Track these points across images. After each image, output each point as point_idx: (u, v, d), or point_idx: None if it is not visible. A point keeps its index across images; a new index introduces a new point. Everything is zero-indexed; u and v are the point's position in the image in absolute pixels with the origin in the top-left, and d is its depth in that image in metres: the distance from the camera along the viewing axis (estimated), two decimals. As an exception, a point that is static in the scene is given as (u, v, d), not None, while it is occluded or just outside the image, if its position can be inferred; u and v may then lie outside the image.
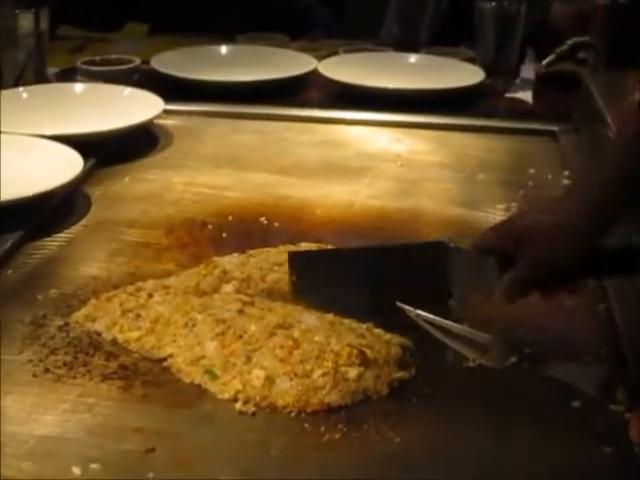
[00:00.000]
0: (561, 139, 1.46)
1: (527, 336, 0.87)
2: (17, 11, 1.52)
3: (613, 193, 0.82)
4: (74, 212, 1.17)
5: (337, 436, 0.77)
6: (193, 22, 1.91)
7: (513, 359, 0.69)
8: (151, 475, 0.72)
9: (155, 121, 1.44)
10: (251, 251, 1.05)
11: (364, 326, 0.89)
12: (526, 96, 1.63)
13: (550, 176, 1.33)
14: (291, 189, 1.27)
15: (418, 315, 0.79)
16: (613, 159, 0.85)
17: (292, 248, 1.05)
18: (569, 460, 0.75)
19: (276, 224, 1.16)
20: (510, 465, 0.74)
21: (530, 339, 0.83)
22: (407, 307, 0.82)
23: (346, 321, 0.90)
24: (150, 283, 0.98)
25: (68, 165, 1.18)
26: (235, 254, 1.04)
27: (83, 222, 1.15)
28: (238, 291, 0.96)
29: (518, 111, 1.59)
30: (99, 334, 0.90)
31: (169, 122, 1.48)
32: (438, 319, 0.76)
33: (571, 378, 0.66)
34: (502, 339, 0.70)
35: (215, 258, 1.03)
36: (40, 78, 1.56)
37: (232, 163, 1.35)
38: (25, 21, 1.53)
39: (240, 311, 0.90)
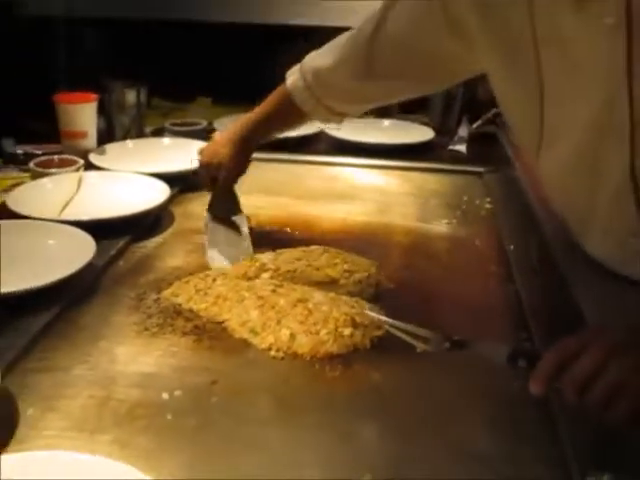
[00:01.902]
0: (485, 177, 1.45)
1: (455, 322, 0.86)
2: (125, 89, 1.52)
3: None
4: (163, 224, 1.17)
5: (337, 374, 0.78)
6: (243, 96, 1.91)
7: (447, 345, 0.67)
8: (214, 399, 0.73)
9: (216, 163, 1.43)
10: (279, 250, 1.04)
11: (354, 300, 0.89)
12: (462, 148, 1.62)
13: (477, 201, 1.33)
14: (305, 209, 1.27)
15: (379, 319, 0.79)
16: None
17: (305, 249, 1.04)
18: (493, 390, 0.75)
19: (296, 232, 1.16)
20: (454, 397, 0.75)
21: (458, 325, 0.82)
22: (372, 314, 0.81)
23: (343, 297, 0.90)
24: (213, 271, 0.98)
25: (160, 192, 1.19)
26: (269, 252, 1.04)
27: (170, 230, 1.15)
28: (272, 277, 0.96)
29: (456, 158, 1.57)
30: (180, 305, 0.90)
31: (225, 164, 1.48)
32: (394, 321, 0.73)
33: (488, 354, 0.65)
34: (438, 331, 0.68)
35: (256, 255, 1.03)
36: (140, 134, 1.56)
37: (266, 191, 1.34)
38: (130, 96, 1.53)
39: (273, 290, 0.90)
